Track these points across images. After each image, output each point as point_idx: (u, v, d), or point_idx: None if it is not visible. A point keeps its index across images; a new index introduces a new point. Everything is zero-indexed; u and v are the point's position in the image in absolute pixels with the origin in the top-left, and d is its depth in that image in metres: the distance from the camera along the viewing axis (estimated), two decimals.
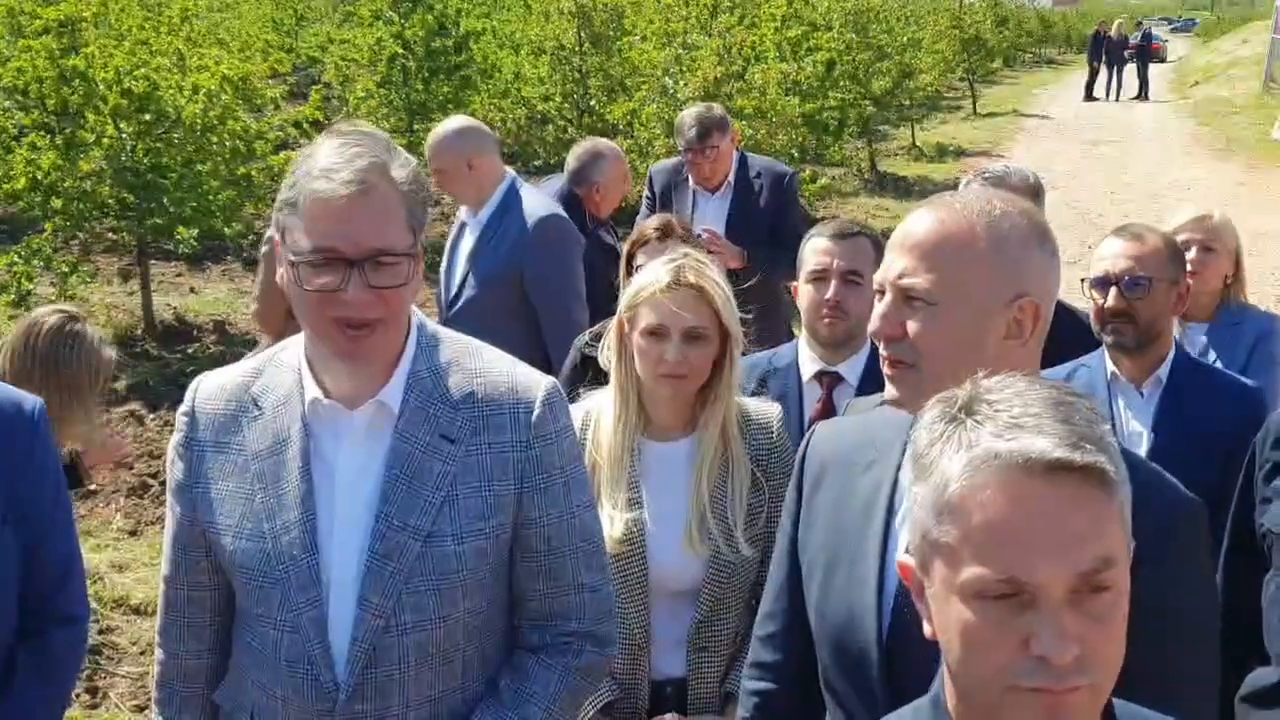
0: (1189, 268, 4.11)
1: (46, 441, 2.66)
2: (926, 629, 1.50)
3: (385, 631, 2.19)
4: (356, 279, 2.07)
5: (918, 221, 1.96)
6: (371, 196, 2.07)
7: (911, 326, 1.93)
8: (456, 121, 5.43)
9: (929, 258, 1.92)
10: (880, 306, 1.98)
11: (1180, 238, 4.12)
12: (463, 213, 5.36)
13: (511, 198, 5.21)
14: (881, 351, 2.00)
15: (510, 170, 5.34)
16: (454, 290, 5.29)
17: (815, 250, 3.52)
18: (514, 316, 5.02)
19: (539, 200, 5.28)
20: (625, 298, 3.09)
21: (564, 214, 5.32)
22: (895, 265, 1.96)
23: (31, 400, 2.65)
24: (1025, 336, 1.93)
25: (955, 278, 1.90)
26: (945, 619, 1.44)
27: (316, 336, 2.19)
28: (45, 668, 2.66)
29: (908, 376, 1.96)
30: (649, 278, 3.03)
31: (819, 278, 3.48)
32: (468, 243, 5.25)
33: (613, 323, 3.13)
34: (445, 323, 4.87)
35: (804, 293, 3.54)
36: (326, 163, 2.08)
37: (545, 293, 5.11)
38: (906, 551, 1.54)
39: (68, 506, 2.76)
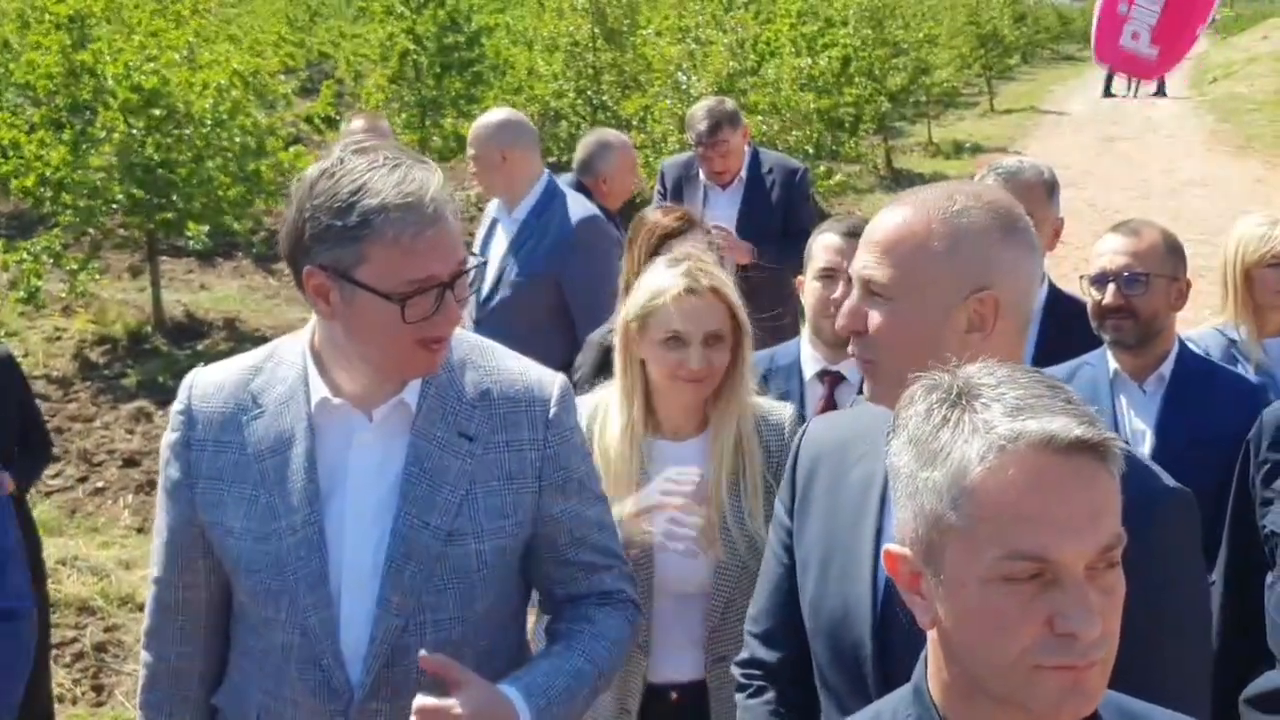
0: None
1: None
2: (921, 619, 1.47)
3: (404, 631, 2.17)
4: (448, 299, 2.08)
5: (882, 218, 2.00)
6: (450, 215, 2.07)
7: (872, 320, 1.97)
8: (500, 113, 5.36)
9: (888, 254, 1.96)
10: (846, 302, 2.03)
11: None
12: (493, 210, 5.25)
13: (549, 197, 5.09)
14: (849, 348, 2.04)
15: (547, 169, 5.24)
16: (486, 291, 5.07)
17: (826, 247, 3.40)
18: (549, 318, 4.92)
19: (579, 201, 5.19)
20: (635, 304, 2.95)
21: (603, 216, 5.23)
22: (859, 260, 2.00)
23: None
24: (988, 329, 1.93)
25: (910, 274, 1.94)
26: (961, 606, 1.40)
27: (392, 357, 2.14)
28: None
29: (872, 371, 2.00)
30: (660, 284, 2.92)
31: (828, 275, 3.37)
32: (500, 241, 5.12)
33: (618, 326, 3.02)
34: (477, 323, 4.79)
35: (810, 289, 3.44)
36: (399, 192, 2.02)
37: (583, 295, 4.93)
38: (899, 543, 1.50)
39: None
